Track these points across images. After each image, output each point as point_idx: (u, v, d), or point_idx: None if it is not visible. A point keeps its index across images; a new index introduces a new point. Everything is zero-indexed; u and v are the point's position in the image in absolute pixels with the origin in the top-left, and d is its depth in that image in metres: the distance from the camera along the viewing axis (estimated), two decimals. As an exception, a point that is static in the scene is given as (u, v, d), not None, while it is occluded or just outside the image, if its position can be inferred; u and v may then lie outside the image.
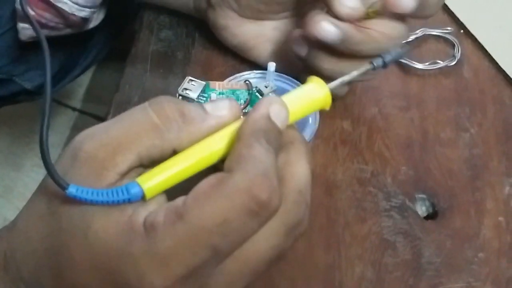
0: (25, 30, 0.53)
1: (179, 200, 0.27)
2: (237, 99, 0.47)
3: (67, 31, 0.56)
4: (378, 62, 0.35)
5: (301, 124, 0.47)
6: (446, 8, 0.62)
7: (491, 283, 0.45)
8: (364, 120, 0.54)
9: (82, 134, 0.29)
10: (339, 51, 0.46)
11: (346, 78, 0.34)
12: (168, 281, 0.26)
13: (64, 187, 0.27)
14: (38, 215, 0.29)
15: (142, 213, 0.27)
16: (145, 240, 0.26)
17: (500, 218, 0.48)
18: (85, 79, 1.17)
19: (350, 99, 0.55)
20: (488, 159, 0.51)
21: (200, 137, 0.29)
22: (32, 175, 1.09)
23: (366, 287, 0.45)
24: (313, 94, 0.32)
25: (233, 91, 0.47)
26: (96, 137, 0.28)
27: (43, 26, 0.54)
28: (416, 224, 0.47)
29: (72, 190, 0.27)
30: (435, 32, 0.60)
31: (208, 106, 0.30)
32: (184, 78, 0.48)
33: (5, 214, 1.04)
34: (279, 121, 0.29)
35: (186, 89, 0.46)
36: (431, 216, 0.49)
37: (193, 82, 0.47)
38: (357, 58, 0.46)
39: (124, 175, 0.28)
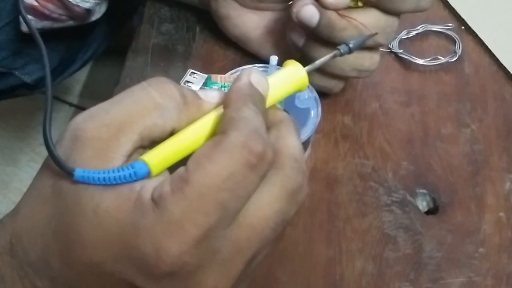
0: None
1: (181, 169, 0.28)
2: (239, 92, 0.47)
3: (70, 23, 0.56)
4: (344, 48, 0.38)
5: (303, 118, 0.47)
6: (447, 4, 0.62)
7: (492, 278, 0.45)
8: (365, 115, 0.54)
9: (82, 115, 0.29)
10: (327, 40, 0.47)
11: (317, 62, 0.37)
12: (184, 246, 0.26)
13: (70, 172, 0.27)
14: (42, 197, 0.29)
15: (149, 188, 0.28)
16: (156, 211, 0.27)
17: (501, 214, 0.48)
18: (82, 74, 1.17)
19: (351, 94, 0.55)
20: (489, 155, 0.51)
21: (196, 119, 0.30)
22: (28, 170, 1.09)
23: (367, 282, 0.44)
24: (292, 76, 0.34)
25: (235, 84, 0.47)
26: (98, 117, 0.28)
27: (46, 17, 0.53)
28: (417, 219, 0.47)
29: (79, 173, 0.27)
30: (436, 28, 0.60)
31: (201, 93, 0.31)
32: (185, 71, 0.48)
33: (1, 209, 1.03)
34: (260, 87, 0.31)
35: (188, 81, 0.46)
36: (432, 211, 0.49)
37: (195, 75, 0.47)
38: None
39: (129, 156, 0.28)
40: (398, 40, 0.58)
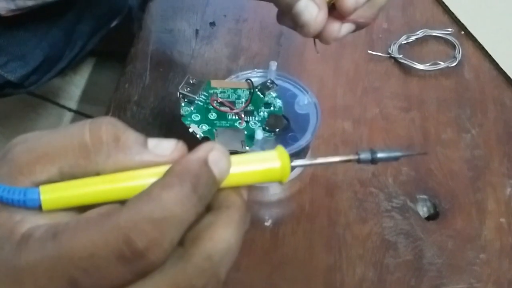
0: (1, 3, 0.52)
1: (69, 220, 0.25)
2: (238, 97, 0.47)
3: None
4: (364, 155, 0.30)
5: (302, 123, 0.47)
6: (446, 9, 0.62)
7: (493, 284, 0.45)
8: (365, 121, 0.54)
9: (20, 136, 0.28)
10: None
11: (316, 161, 0.31)
12: None
13: None
14: None
15: (30, 223, 0.25)
16: (13, 251, 0.24)
17: (502, 219, 0.48)
18: (82, 80, 1.17)
19: (350, 99, 0.55)
20: (489, 160, 0.51)
21: (128, 168, 0.27)
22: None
23: (368, 288, 0.44)
24: (269, 163, 0.28)
25: (235, 90, 0.47)
26: (28, 142, 0.27)
27: None
28: (417, 225, 0.47)
29: None
30: (435, 33, 0.60)
31: (151, 142, 0.27)
32: (184, 77, 0.48)
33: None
34: (216, 169, 0.26)
35: (187, 87, 0.46)
36: (433, 216, 0.48)
37: (194, 81, 0.46)
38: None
39: (39, 185, 0.26)
40: (397, 45, 0.58)
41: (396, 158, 0.30)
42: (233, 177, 0.27)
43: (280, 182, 0.28)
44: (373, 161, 0.30)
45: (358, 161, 0.30)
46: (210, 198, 0.27)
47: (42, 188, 0.26)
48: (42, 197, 0.25)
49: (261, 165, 0.28)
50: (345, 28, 0.42)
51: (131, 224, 0.23)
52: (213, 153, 0.26)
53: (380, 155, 0.30)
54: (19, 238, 0.25)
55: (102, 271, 0.24)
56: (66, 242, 0.24)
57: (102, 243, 0.23)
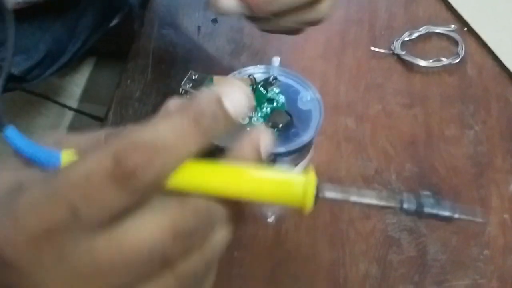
0: None
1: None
2: (241, 93, 0.46)
3: None
4: (410, 205, 0.27)
5: (305, 120, 0.47)
6: (449, 6, 0.62)
7: (497, 280, 0.44)
8: (368, 117, 0.54)
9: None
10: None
11: (354, 198, 0.27)
12: (22, 236, 0.24)
13: (2, 125, 0.27)
14: None
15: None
16: (18, 193, 0.25)
17: (505, 216, 0.48)
18: (82, 78, 1.17)
19: (353, 96, 0.55)
20: (492, 157, 0.51)
21: None
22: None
23: (371, 284, 0.44)
24: (294, 186, 0.25)
25: (237, 86, 0.47)
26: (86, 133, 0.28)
27: None
28: (421, 221, 0.47)
29: (9, 130, 0.27)
30: (438, 29, 0.59)
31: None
32: (186, 73, 0.48)
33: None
34: (228, 101, 0.25)
35: (189, 83, 0.46)
36: (436, 213, 0.48)
37: (196, 76, 0.46)
38: None
39: None
40: (400, 42, 0.58)
41: (447, 219, 0.27)
42: (243, 183, 0.26)
43: (301, 210, 0.25)
44: (418, 214, 0.27)
45: (401, 209, 0.27)
46: (221, 133, 0.25)
47: (64, 153, 0.26)
48: (62, 160, 0.26)
49: (281, 182, 0.25)
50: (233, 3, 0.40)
51: (122, 146, 0.24)
52: (226, 86, 0.25)
53: (427, 209, 0.27)
54: (27, 185, 0.25)
55: (98, 194, 0.24)
56: (64, 173, 0.24)
57: (95, 165, 0.24)
